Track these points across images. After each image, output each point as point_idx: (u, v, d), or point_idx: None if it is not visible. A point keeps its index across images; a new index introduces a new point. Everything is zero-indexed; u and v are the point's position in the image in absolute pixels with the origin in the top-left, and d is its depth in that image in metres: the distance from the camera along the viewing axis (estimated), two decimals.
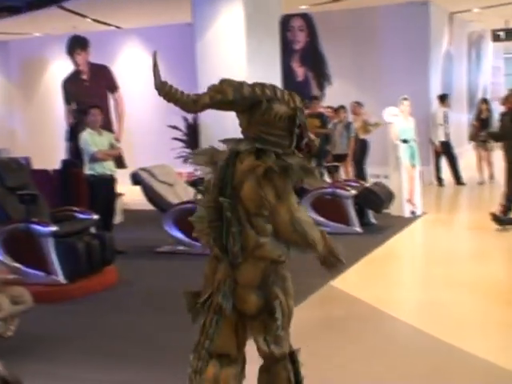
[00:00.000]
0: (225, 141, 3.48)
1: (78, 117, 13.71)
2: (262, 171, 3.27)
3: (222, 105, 3.36)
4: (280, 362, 3.50)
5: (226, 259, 3.40)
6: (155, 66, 3.45)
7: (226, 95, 3.30)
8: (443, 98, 14.76)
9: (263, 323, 3.44)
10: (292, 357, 3.56)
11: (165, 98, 3.42)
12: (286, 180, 3.32)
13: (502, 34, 20.14)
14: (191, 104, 3.37)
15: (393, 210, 10.74)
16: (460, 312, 6.19)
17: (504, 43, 24.09)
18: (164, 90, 3.41)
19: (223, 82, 3.35)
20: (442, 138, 14.50)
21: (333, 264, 3.57)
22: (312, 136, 3.48)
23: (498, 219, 9.38)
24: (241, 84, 3.34)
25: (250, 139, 3.39)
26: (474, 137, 14.81)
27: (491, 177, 14.36)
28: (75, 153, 13.02)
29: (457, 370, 4.87)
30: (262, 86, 3.38)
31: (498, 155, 11.15)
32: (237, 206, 3.35)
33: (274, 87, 3.40)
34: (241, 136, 3.46)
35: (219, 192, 3.38)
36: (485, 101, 15.70)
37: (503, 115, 10.12)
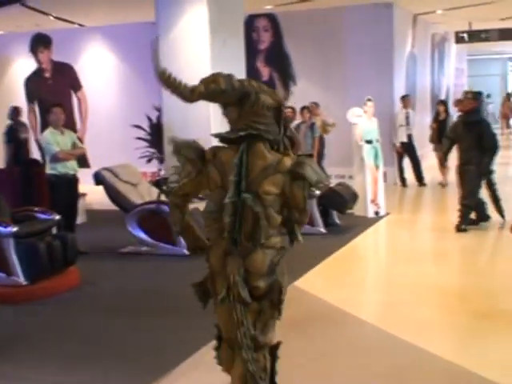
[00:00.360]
0: (216, 135, 3.74)
1: (14, 117, 13.39)
2: (290, 167, 3.59)
3: (216, 94, 3.58)
4: (261, 350, 3.69)
5: (236, 251, 3.61)
6: (156, 52, 3.54)
7: (219, 84, 3.52)
8: (404, 99, 14.81)
9: (259, 308, 3.68)
10: (273, 350, 3.82)
11: (164, 85, 3.56)
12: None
13: (465, 35, 20.37)
14: (188, 93, 3.54)
15: (357, 210, 10.78)
16: (421, 312, 6.22)
17: (467, 45, 24.39)
18: (164, 77, 3.54)
19: (214, 74, 3.60)
20: (404, 139, 14.57)
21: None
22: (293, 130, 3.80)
23: (460, 229, 9.53)
24: (230, 76, 3.59)
25: (242, 131, 3.61)
26: (432, 139, 14.77)
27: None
28: (15, 155, 12.86)
29: (418, 369, 4.90)
30: (248, 80, 3.70)
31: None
32: (256, 199, 3.57)
33: (257, 82, 3.69)
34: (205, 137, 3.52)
35: (236, 188, 3.56)
36: (442, 102, 15.59)
37: (458, 117, 10.24)
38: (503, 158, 17.26)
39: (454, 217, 9.67)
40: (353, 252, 8.90)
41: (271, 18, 16.04)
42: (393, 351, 5.26)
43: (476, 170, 9.49)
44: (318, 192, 9.86)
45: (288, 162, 3.63)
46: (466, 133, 9.49)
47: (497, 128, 29.97)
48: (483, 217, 9.79)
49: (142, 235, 8.95)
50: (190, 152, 3.77)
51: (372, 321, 5.96)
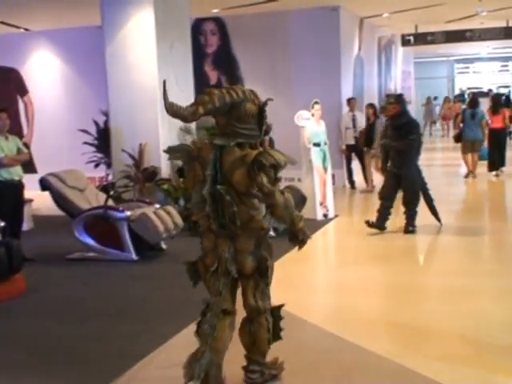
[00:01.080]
0: (210, 138, 4.33)
1: None
2: (251, 160, 4.11)
3: (212, 112, 4.10)
4: (263, 314, 4.46)
5: (224, 234, 4.23)
6: (164, 92, 4.01)
7: (215, 104, 4.04)
8: (350, 102, 14.91)
9: (254, 282, 4.35)
10: (274, 311, 4.56)
11: (172, 116, 4.07)
12: (275, 171, 4.17)
13: (411, 38, 20.66)
14: (191, 116, 4.05)
15: (305, 212, 10.76)
16: (369, 314, 6.28)
17: (414, 48, 24.73)
18: (172, 110, 4.02)
19: (207, 92, 4.08)
20: (351, 142, 14.68)
21: (302, 240, 4.44)
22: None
23: (408, 231, 9.64)
24: (222, 92, 4.09)
25: (229, 135, 4.19)
26: (361, 142, 14.51)
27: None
28: None
29: (365, 370, 4.93)
30: (234, 89, 4.16)
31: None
32: (229, 189, 4.14)
33: (242, 89, 4.20)
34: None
35: (213, 180, 4.17)
36: (371, 105, 15.01)
37: (386, 122, 10.11)
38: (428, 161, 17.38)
39: (401, 219, 9.80)
40: (301, 254, 8.76)
41: (218, 21, 16.04)
42: (340, 353, 5.29)
43: (410, 172, 9.53)
44: None
45: (253, 154, 4.18)
46: (397, 136, 9.47)
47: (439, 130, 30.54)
48: (381, 224, 9.74)
49: (89, 241, 8.86)
50: (181, 153, 4.44)
51: (320, 323, 5.98)
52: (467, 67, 40.96)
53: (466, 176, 15.80)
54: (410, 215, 9.65)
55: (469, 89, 38.40)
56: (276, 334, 4.63)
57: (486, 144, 15.94)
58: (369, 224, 9.66)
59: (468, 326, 5.78)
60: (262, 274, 4.37)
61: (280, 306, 4.64)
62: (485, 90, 35.92)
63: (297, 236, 4.43)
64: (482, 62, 39.57)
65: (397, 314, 6.31)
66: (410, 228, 9.64)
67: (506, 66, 40.49)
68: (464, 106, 23.41)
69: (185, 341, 5.59)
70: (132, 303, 6.90)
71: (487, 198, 13.99)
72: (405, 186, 9.57)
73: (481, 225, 10.78)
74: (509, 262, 8.22)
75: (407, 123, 9.61)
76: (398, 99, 9.77)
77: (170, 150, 4.50)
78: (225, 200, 4.14)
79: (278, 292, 6.91)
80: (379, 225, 9.71)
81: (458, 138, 16.18)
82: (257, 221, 4.25)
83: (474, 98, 16.78)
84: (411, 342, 5.50)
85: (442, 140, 28.61)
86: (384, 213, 9.70)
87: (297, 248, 4.51)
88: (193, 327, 5.04)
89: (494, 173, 15.75)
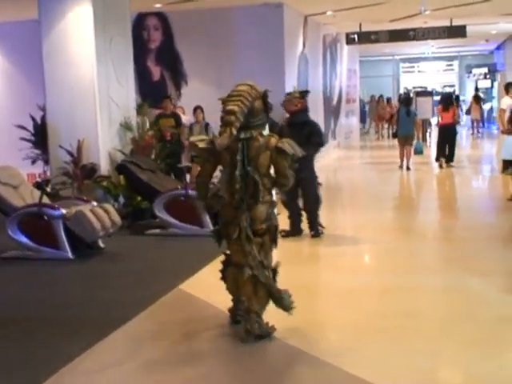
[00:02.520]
0: (239, 131, 5.11)
1: None
2: (275, 145, 5.27)
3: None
4: (265, 269, 5.35)
5: (243, 206, 5.23)
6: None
7: (240, 120, 5.03)
8: None
9: (263, 242, 5.34)
10: (274, 269, 5.48)
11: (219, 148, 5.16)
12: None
13: (355, 37, 20.71)
14: (228, 140, 5.02)
15: None
16: (307, 313, 6.19)
17: (359, 46, 24.83)
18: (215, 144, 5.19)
19: (231, 112, 4.99)
20: None
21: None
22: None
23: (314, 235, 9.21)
24: (239, 106, 5.01)
25: (248, 128, 5.20)
26: None
27: None
28: None
29: (300, 373, 4.85)
30: (245, 96, 5.09)
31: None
32: (255, 170, 5.23)
33: (248, 91, 5.14)
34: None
35: (242, 164, 5.19)
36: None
37: (284, 120, 9.73)
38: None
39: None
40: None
41: (161, 16, 15.86)
42: (277, 354, 5.21)
43: (312, 176, 9.13)
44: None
45: (273, 141, 5.32)
46: (296, 136, 7.70)
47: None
48: (297, 231, 9.27)
49: (24, 239, 8.60)
50: (204, 143, 5.38)
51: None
52: (412, 66, 41.36)
53: (400, 167, 16.87)
54: (313, 219, 9.20)
55: (414, 88, 38.84)
56: (277, 293, 5.45)
57: (418, 138, 18.09)
58: (283, 235, 8.79)
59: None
60: (271, 238, 5.40)
61: (277, 265, 5.53)
62: (429, 89, 36.43)
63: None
64: (427, 61, 40.01)
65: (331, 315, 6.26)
66: (313, 232, 9.20)
67: (450, 65, 41.02)
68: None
69: (112, 344, 5.46)
70: (61, 305, 6.67)
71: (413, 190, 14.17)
72: (306, 190, 9.08)
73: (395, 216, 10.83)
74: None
75: (308, 123, 9.11)
76: (305, 95, 9.27)
77: (197, 139, 5.55)
78: (251, 179, 5.20)
79: (217, 292, 6.83)
80: (294, 232, 9.22)
81: (395, 135, 17.51)
82: (269, 195, 5.41)
83: (408, 97, 18.90)
84: (350, 345, 5.43)
85: (378, 140, 28.40)
86: (295, 218, 9.26)
87: None
88: (120, 332, 4.95)
89: (438, 162, 17.07)
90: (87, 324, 5.96)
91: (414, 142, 17.43)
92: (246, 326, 5.34)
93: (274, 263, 5.50)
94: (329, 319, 6.13)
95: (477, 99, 27.24)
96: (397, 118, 17.28)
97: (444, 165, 16.91)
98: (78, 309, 6.51)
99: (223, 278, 5.69)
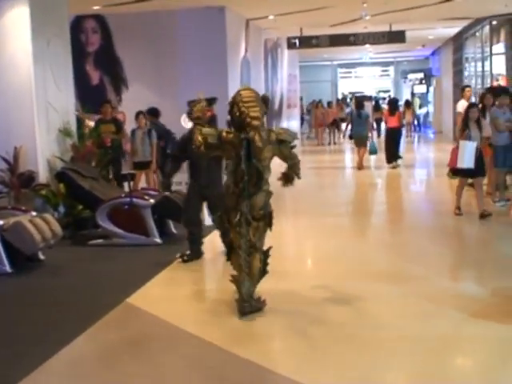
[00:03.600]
0: (244, 132, 5.92)
1: None
2: (276, 138, 6.17)
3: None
4: (257, 252, 6.05)
5: (245, 194, 5.96)
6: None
7: (263, 122, 6.10)
8: None
9: (259, 226, 6.05)
10: (266, 252, 6.17)
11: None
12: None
13: (296, 41, 20.64)
14: (261, 144, 5.99)
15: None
16: (257, 324, 5.92)
17: (299, 51, 24.80)
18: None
19: (256, 118, 5.93)
20: None
21: (293, 179, 6.52)
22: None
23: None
24: (258, 107, 6.01)
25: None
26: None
27: None
28: None
29: None
30: (255, 97, 6.10)
31: None
32: (258, 163, 5.92)
33: (253, 91, 6.21)
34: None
35: (247, 158, 5.87)
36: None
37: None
38: None
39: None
40: (190, 263, 8.50)
41: (100, 19, 15.43)
42: (231, 370, 4.93)
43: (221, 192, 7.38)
44: (152, 201, 9.42)
45: (273, 135, 6.18)
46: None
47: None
48: (197, 254, 8.39)
49: None
50: (212, 137, 6.13)
51: (212, 339, 5.55)
52: (349, 72, 41.72)
53: (359, 168, 17.59)
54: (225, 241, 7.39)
55: (350, 93, 39.14)
56: (264, 270, 6.17)
57: (373, 139, 18.78)
58: (184, 259, 8.16)
59: None
60: (266, 222, 6.16)
61: (269, 248, 6.20)
62: (367, 94, 36.79)
63: (292, 177, 6.50)
64: (363, 66, 40.39)
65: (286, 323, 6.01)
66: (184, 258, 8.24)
67: (386, 70, 41.51)
68: (348, 110, 25.01)
69: (50, 372, 5.07)
70: None
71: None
72: (214, 208, 8.02)
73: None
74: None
75: None
76: (212, 102, 8.58)
77: (206, 133, 6.21)
78: (254, 170, 5.91)
79: (166, 304, 6.50)
80: (194, 255, 8.28)
81: (351, 136, 18.86)
82: (267, 185, 6.14)
83: (360, 100, 19.84)
84: (307, 356, 5.18)
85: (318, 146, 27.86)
86: (195, 241, 8.33)
87: (283, 183, 6.54)
88: (60, 356, 4.61)
89: (391, 165, 17.70)
90: (22, 348, 5.51)
91: (368, 143, 18.19)
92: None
93: (265, 248, 6.20)
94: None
95: (407, 104, 27.82)
96: (350, 120, 18.61)
97: (393, 164, 17.68)
98: (13, 329, 6.06)
99: (230, 261, 6.30)
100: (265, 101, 6.28)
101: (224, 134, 6.11)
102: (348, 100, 37.41)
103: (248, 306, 5.97)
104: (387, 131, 18.31)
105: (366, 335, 5.52)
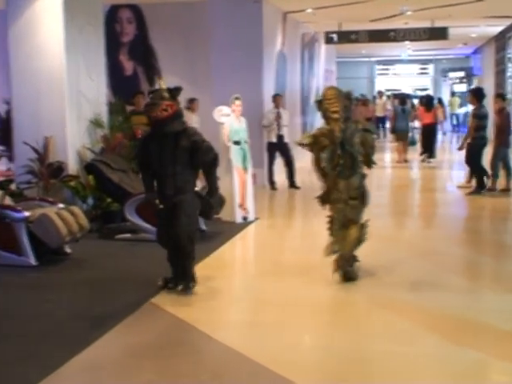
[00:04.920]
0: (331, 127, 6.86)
1: None
2: (362, 127, 7.16)
3: None
4: (356, 225, 7.01)
5: (342, 176, 6.86)
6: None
7: (342, 116, 6.89)
8: (275, 98, 14.33)
9: (355, 205, 6.97)
10: (364, 224, 7.11)
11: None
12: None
13: (334, 36, 20.26)
14: (339, 133, 6.92)
15: (224, 215, 10.16)
16: (285, 334, 5.62)
17: (337, 47, 24.40)
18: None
19: (336, 112, 6.88)
20: (274, 140, 14.10)
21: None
22: None
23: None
24: (338, 103, 6.96)
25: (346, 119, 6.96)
26: None
27: None
28: None
29: None
30: (336, 95, 7.01)
31: None
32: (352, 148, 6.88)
33: (337, 90, 7.16)
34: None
35: (341, 145, 6.78)
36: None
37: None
38: None
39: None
40: (218, 262, 8.24)
41: (135, 9, 15.24)
42: (253, 379, 4.66)
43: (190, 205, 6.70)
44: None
45: (360, 124, 7.20)
46: (163, 153, 6.56)
47: None
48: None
49: None
50: (307, 139, 7.09)
51: (236, 346, 5.26)
52: (387, 69, 41.12)
53: (398, 162, 18.90)
54: (188, 266, 6.70)
55: (387, 90, 38.59)
56: (362, 239, 7.08)
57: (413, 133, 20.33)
58: (168, 286, 6.73)
59: None
60: (363, 200, 7.05)
61: (366, 221, 7.13)
62: (403, 92, 36.25)
63: (373, 162, 7.26)
64: (402, 64, 39.77)
65: (319, 336, 5.70)
66: (184, 287, 6.66)
67: (425, 68, 40.82)
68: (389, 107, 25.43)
69: (72, 372, 4.83)
70: (17, 319, 6.03)
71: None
72: (180, 222, 6.56)
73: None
74: None
75: (185, 133, 6.59)
76: (176, 94, 6.60)
77: (304, 135, 8.31)
78: (348, 155, 6.83)
79: (191, 305, 6.25)
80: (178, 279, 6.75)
81: (393, 130, 19.99)
82: (361, 168, 7.04)
83: (403, 97, 20.98)
84: (338, 371, 4.88)
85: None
86: (175, 262, 6.80)
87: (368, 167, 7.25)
88: (82, 355, 4.39)
89: (422, 157, 19.04)
90: (41, 347, 5.30)
91: (410, 134, 19.66)
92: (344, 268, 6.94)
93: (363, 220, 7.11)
94: None
95: (440, 102, 27.49)
96: (394, 115, 19.69)
97: (426, 160, 18.78)
98: (35, 325, 5.85)
99: (330, 233, 7.11)
100: (348, 96, 7.11)
101: (317, 131, 7.19)
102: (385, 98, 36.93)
103: (345, 264, 6.95)
104: (422, 127, 19.22)
105: None
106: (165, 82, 7.00)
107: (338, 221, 6.95)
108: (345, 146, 6.80)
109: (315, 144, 6.96)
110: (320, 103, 7.03)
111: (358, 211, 7.01)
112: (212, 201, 8.95)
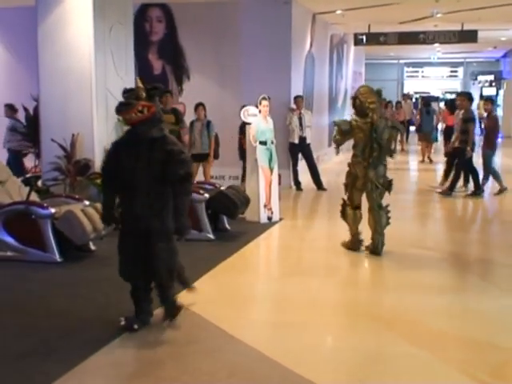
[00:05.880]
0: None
1: None
2: (391, 124, 8.36)
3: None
4: (383, 209, 8.28)
5: (371, 166, 8.09)
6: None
7: (378, 108, 8.31)
8: (296, 100, 14.23)
9: (380, 191, 8.23)
10: (386, 208, 8.31)
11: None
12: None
13: (363, 38, 20.14)
14: (377, 120, 8.30)
15: (248, 215, 10.16)
16: (310, 335, 5.60)
17: (366, 49, 24.24)
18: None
19: (373, 103, 8.18)
20: (296, 141, 14.05)
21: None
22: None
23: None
24: (373, 97, 8.30)
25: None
26: None
27: None
28: None
29: None
30: (370, 91, 8.34)
31: None
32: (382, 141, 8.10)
33: (369, 87, 8.46)
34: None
35: (375, 139, 8.04)
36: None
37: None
38: None
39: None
40: (242, 261, 8.24)
41: (165, 8, 15.26)
42: (271, 379, 4.66)
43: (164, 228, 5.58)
44: (206, 195, 9.18)
45: (389, 122, 8.31)
46: (138, 162, 5.44)
47: None
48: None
49: (9, 239, 8.00)
50: (345, 125, 8.32)
51: (255, 344, 5.26)
52: (416, 71, 40.88)
53: (422, 161, 19.97)
54: (169, 294, 5.85)
55: (416, 93, 38.35)
56: (387, 221, 8.27)
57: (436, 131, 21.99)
58: (129, 327, 5.61)
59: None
60: (387, 187, 8.26)
61: (387, 205, 8.30)
62: (432, 94, 36.03)
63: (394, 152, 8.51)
64: (431, 66, 39.51)
65: (344, 337, 5.67)
66: (167, 315, 5.82)
67: (455, 71, 40.50)
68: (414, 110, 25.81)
69: (92, 369, 4.84)
70: (40, 315, 6.06)
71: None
72: (158, 256, 5.58)
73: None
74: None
75: (161, 141, 5.49)
76: (154, 94, 5.57)
77: (340, 122, 8.63)
78: (377, 147, 8.03)
79: (216, 304, 6.25)
80: (138, 321, 5.71)
81: (418, 129, 21.18)
82: (385, 160, 8.22)
83: (428, 100, 23.06)
84: (363, 371, 4.84)
85: None
86: (138, 300, 5.84)
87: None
88: (103, 352, 4.37)
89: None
90: (62, 343, 5.34)
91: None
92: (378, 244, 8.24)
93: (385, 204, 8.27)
94: None
95: None
96: (420, 116, 20.85)
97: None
98: (58, 321, 5.88)
99: (343, 216, 8.49)
100: (378, 93, 8.29)
101: (353, 122, 8.20)
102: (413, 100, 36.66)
103: (379, 237, 8.22)
104: (445, 130, 19.17)
105: None
106: (143, 81, 5.64)
107: (374, 206, 8.19)
108: (378, 140, 8.05)
109: (348, 134, 8.23)
110: (355, 99, 8.21)
111: (382, 197, 8.27)
112: (236, 200, 9.01)
